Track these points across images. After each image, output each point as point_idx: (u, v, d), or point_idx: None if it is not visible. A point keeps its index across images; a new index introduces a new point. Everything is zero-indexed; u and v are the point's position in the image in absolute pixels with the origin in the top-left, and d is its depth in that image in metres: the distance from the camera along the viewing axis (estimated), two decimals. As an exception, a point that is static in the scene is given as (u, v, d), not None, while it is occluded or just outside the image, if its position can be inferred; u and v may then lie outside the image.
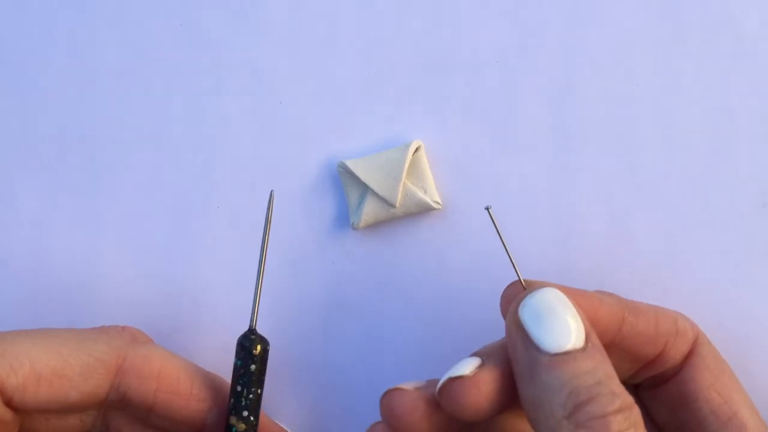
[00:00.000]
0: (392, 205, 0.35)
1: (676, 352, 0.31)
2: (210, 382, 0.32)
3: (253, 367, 0.31)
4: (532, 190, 0.36)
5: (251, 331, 0.31)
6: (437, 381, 0.29)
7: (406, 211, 0.36)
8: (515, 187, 0.36)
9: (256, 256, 0.36)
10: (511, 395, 0.28)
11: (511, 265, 0.30)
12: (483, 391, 0.28)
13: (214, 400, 0.31)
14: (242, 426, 0.31)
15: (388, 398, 0.29)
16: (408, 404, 0.29)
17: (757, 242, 0.35)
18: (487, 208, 0.31)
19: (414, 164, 0.36)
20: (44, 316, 0.37)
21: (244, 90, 0.37)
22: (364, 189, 0.36)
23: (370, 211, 0.36)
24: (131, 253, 0.37)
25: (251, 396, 0.31)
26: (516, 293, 0.29)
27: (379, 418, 0.32)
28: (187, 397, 0.31)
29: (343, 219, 0.37)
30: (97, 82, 0.37)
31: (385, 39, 0.36)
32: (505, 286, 0.31)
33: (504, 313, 0.30)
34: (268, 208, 0.33)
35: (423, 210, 0.36)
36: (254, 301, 0.32)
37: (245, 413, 0.31)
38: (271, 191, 0.33)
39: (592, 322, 0.29)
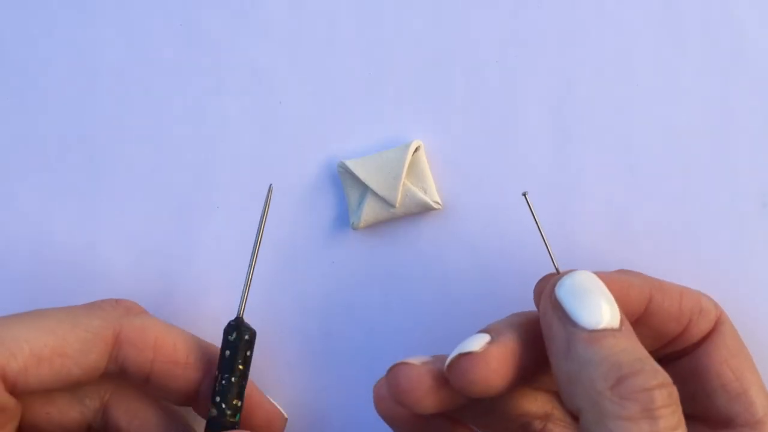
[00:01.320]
0: (392, 205, 0.35)
1: (698, 331, 0.31)
2: (205, 351, 0.32)
3: (227, 353, 0.31)
4: (531, 190, 0.36)
5: (236, 319, 0.32)
6: (444, 356, 0.29)
7: (406, 211, 0.36)
8: (515, 187, 0.36)
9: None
10: (520, 372, 0.28)
11: (547, 251, 0.31)
12: (492, 367, 0.28)
13: (208, 370, 0.32)
14: (214, 411, 0.31)
15: (394, 372, 0.29)
16: (414, 378, 0.29)
17: (757, 242, 0.35)
18: (524, 194, 0.31)
19: (414, 164, 0.36)
20: (44, 316, 0.37)
21: (244, 90, 0.37)
22: (364, 189, 0.36)
23: (370, 211, 0.36)
24: (131, 252, 0.37)
25: (223, 382, 0.31)
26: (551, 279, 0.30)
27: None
28: (184, 366, 0.32)
29: (343, 219, 0.37)
30: (97, 82, 0.37)
31: (385, 39, 0.37)
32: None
33: (537, 302, 0.31)
34: (266, 202, 0.33)
35: (423, 210, 0.36)
36: (244, 290, 0.32)
37: (217, 399, 0.31)
38: (270, 185, 0.33)
39: (621, 303, 0.29)
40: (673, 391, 0.26)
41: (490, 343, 0.28)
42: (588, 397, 0.26)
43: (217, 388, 0.31)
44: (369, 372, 0.36)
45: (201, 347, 0.32)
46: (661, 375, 0.26)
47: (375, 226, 0.36)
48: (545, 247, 0.31)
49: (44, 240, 0.37)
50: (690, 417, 0.32)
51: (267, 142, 0.37)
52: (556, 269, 0.31)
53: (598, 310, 0.27)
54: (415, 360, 0.29)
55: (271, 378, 0.37)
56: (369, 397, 0.34)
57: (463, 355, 0.28)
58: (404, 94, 0.36)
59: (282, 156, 0.37)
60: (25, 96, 0.37)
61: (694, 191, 0.35)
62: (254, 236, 0.33)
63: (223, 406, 0.31)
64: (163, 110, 0.37)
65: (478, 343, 0.28)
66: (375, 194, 0.35)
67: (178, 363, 0.32)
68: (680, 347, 0.31)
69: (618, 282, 0.30)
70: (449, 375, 0.28)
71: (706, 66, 0.36)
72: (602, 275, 0.30)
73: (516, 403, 0.32)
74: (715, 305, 0.31)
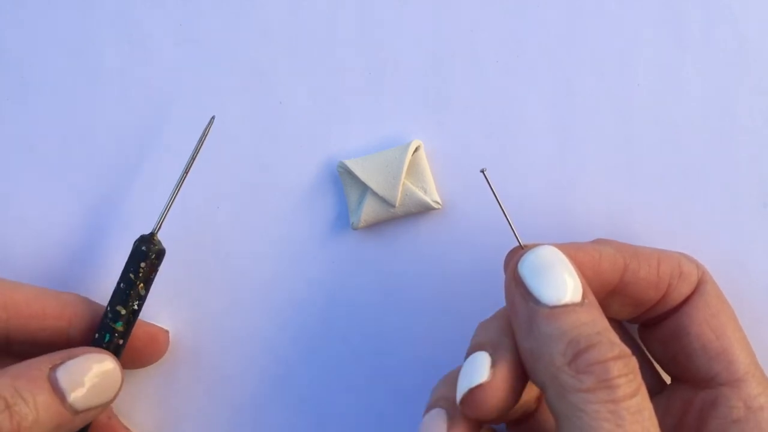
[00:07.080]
0: (392, 205, 0.35)
1: (679, 294, 0.31)
2: (63, 299, 0.33)
3: (127, 263, 0.33)
4: (531, 190, 0.36)
5: (149, 234, 0.33)
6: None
7: (406, 211, 0.36)
8: (515, 187, 0.36)
9: (256, 256, 0.37)
10: (527, 376, 0.28)
11: (509, 226, 0.31)
12: (503, 391, 0.28)
13: (72, 315, 0.33)
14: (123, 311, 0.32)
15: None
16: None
17: (757, 242, 0.35)
18: (482, 171, 0.31)
19: (414, 164, 0.36)
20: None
21: (244, 90, 0.37)
22: (364, 189, 0.36)
23: (370, 210, 0.36)
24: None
25: (115, 288, 0.33)
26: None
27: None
28: (42, 318, 0.32)
29: (343, 219, 0.37)
30: (98, 83, 0.37)
31: (385, 39, 0.37)
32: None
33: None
34: (205, 130, 0.34)
35: (423, 210, 0.36)
36: (164, 208, 0.34)
37: (109, 303, 0.33)
38: (212, 117, 0.35)
39: (594, 275, 0.29)
40: (630, 361, 0.26)
41: (493, 366, 0.28)
42: (548, 372, 0.26)
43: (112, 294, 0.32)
44: (369, 371, 0.36)
45: (58, 297, 0.33)
46: (618, 347, 0.26)
47: (375, 226, 0.36)
48: (507, 222, 0.31)
49: (44, 240, 0.37)
50: (673, 378, 0.32)
51: (267, 142, 0.37)
52: (519, 244, 0.31)
53: (560, 285, 0.28)
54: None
55: (269, 376, 0.37)
56: (368, 396, 0.34)
57: (473, 390, 0.27)
58: (404, 94, 0.36)
59: (282, 156, 0.37)
60: (26, 96, 0.37)
61: (693, 191, 0.35)
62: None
63: (108, 309, 0.32)
64: (164, 110, 0.37)
65: (482, 370, 0.28)
66: (375, 194, 0.35)
67: (36, 316, 0.32)
68: (661, 311, 0.31)
69: (589, 253, 0.30)
70: (463, 409, 0.28)
71: (707, 65, 0.36)
72: (573, 246, 0.30)
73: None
74: (697, 265, 0.31)
